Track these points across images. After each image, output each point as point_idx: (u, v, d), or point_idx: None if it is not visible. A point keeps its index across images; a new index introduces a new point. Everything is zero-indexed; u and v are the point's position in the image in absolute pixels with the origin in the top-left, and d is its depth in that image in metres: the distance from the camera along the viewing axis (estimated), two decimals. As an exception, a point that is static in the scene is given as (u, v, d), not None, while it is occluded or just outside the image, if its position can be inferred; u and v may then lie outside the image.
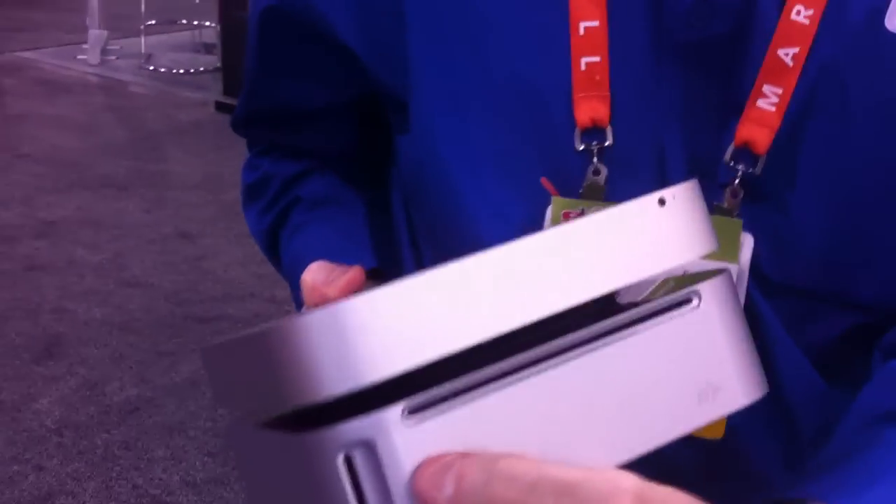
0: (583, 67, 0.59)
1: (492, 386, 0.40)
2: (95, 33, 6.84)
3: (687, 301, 0.44)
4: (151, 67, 6.81)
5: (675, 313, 0.44)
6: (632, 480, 0.35)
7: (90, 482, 2.48)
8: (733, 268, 0.58)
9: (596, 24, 0.58)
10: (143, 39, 6.97)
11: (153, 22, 7.05)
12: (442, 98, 0.64)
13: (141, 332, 3.23)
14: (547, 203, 0.61)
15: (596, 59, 0.59)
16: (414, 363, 0.38)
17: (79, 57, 6.96)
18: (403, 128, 0.68)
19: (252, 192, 0.83)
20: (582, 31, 0.59)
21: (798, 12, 0.55)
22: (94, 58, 6.86)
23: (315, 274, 0.60)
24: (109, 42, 6.99)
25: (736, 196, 0.58)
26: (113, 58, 6.98)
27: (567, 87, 0.59)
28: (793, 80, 0.56)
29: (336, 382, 0.37)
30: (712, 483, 0.57)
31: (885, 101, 0.56)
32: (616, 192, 0.59)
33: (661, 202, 0.43)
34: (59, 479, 2.48)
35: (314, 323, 0.37)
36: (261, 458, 0.45)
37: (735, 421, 0.62)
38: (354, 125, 0.77)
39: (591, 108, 0.59)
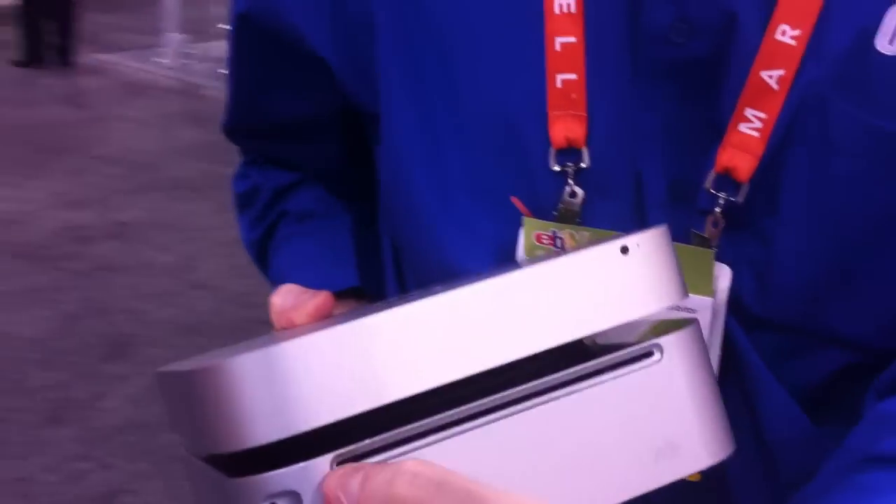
0: (558, 84, 0.56)
1: (428, 439, 0.38)
2: (172, 37, 6.98)
3: (649, 354, 0.41)
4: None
5: (635, 366, 0.41)
6: None
7: (154, 482, 2.51)
8: (706, 301, 0.55)
9: (573, 40, 0.56)
10: (217, 44, 7.08)
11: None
12: (410, 114, 0.62)
13: (208, 335, 3.28)
14: (519, 224, 0.58)
15: (572, 76, 0.56)
16: (346, 413, 0.36)
17: (155, 60, 7.10)
18: (377, 141, 0.66)
19: (243, 203, 0.82)
20: (558, 47, 0.56)
21: (783, 32, 0.52)
22: (170, 61, 6.99)
23: (284, 297, 0.59)
24: (187, 46, 7.12)
25: (717, 225, 0.55)
26: (189, 61, 7.10)
27: (542, 105, 0.57)
28: (777, 104, 0.53)
29: (263, 431, 0.36)
30: None
31: (872, 127, 0.52)
32: (592, 214, 0.57)
33: (624, 250, 0.41)
34: (124, 477, 2.52)
35: (245, 366, 0.36)
36: (201, 486, 0.44)
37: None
38: (340, 138, 0.76)
39: (566, 127, 0.56)
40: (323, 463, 0.37)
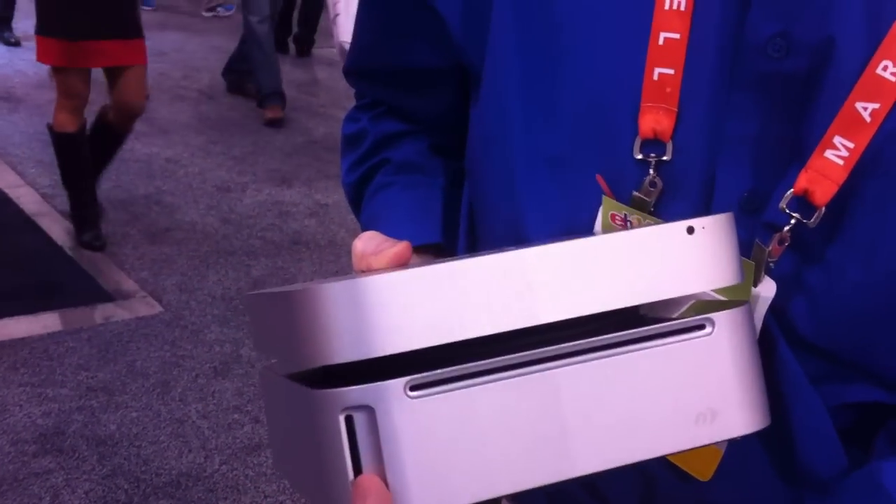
0: (655, 77, 0.58)
1: (494, 377, 0.42)
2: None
3: (701, 327, 0.45)
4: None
5: (687, 336, 0.45)
6: None
7: (297, 443, 2.61)
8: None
9: (677, 36, 0.57)
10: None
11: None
12: (512, 81, 0.63)
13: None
14: (592, 207, 0.60)
15: (670, 71, 0.57)
16: (422, 344, 0.40)
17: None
18: (476, 99, 0.68)
19: (348, 144, 0.85)
20: (661, 41, 0.58)
21: (885, 68, 0.52)
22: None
23: (366, 243, 0.62)
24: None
25: (782, 243, 0.56)
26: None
27: (636, 94, 0.58)
28: (867, 137, 0.53)
29: (346, 351, 0.40)
30: None
31: None
32: (663, 206, 0.59)
33: (690, 230, 0.45)
34: (270, 434, 2.64)
35: (336, 292, 0.40)
36: (281, 402, 0.50)
37: (733, 464, 0.60)
38: (455, 91, 0.77)
39: (655, 119, 0.58)
40: (398, 385, 0.41)
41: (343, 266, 3.76)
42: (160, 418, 2.66)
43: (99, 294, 3.30)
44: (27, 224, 3.77)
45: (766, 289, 0.56)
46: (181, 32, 7.17)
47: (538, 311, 0.42)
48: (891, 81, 0.52)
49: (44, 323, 3.08)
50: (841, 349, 0.57)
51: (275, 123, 5.28)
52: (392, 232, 0.65)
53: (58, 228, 3.74)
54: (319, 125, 5.50)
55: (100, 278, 3.41)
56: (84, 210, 3.61)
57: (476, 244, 0.73)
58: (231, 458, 2.52)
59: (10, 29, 6.27)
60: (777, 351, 0.56)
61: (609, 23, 0.59)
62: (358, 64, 0.82)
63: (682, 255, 0.44)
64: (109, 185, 4.28)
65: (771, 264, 0.56)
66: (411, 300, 0.40)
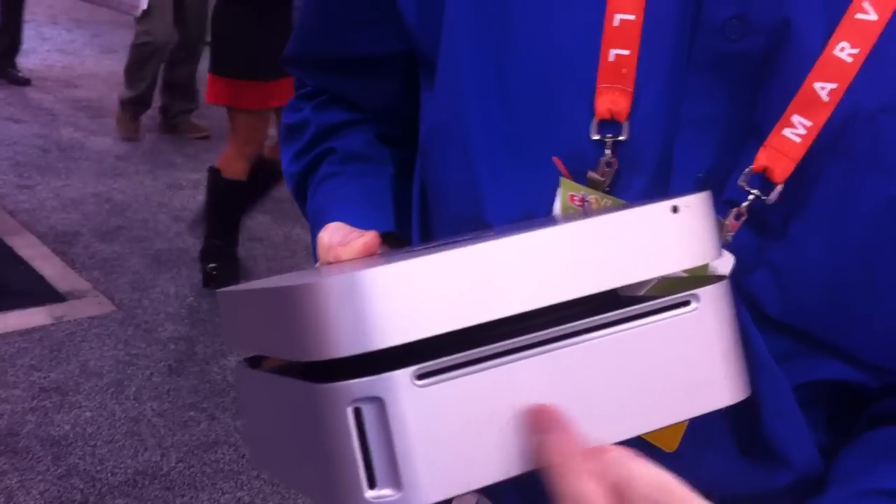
0: (611, 58, 0.58)
1: (497, 361, 0.42)
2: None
3: (686, 303, 0.46)
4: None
5: (674, 313, 0.46)
6: None
7: (254, 439, 2.60)
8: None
9: (632, 17, 0.58)
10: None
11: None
12: (466, 65, 0.63)
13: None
14: (551, 187, 0.61)
15: (626, 52, 0.58)
16: (424, 334, 0.40)
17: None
18: (429, 85, 0.68)
19: (289, 133, 0.84)
20: (616, 23, 0.58)
21: (842, 49, 0.54)
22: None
23: (332, 234, 0.61)
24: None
25: (739, 218, 0.57)
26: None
27: (592, 75, 0.59)
28: (825, 116, 0.54)
29: (349, 345, 0.40)
30: None
31: None
32: (620, 186, 0.59)
33: (675, 209, 0.46)
34: (227, 430, 2.63)
35: (336, 287, 0.40)
36: (268, 399, 0.49)
37: (696, 437, 0.61)
38: (401, 80, 0.77)
39: (611, 99, 0.58)
40: (405, 374, 0.41)
41: (299, 261, 3.75)
42: (115, 417, 2.63)
43: (50, 294, 3.26)
44: (-25, 225, 3.71)
45: (724, 263, 0.57)
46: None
47: (538, 295, 0.42)
48: (847, 62, 0.53)
49: (-6, 324, 3.04)
50: (808, 326, 0.58)
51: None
52: (342, 221, 0.65)
53: (6, 229, 3.69)
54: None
55: (51, 278, 3.36)
56: (231, 260, 3.41)
57: (430, 232, 0.72)
58: (188, 455, 2.51)
59: (13, 64, 5.67)
60: (742, 327, 0.57)
61: (563, 5, 0.60)
62: (301, 51, 0.81)
63: (668, 234, 0.45)
64: (59, 183, 4.23)
65: (728, 237, 0.57)
66: (414, 289, 0.40)
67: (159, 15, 4.71)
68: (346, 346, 0.40)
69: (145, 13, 4.64)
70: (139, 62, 4.88)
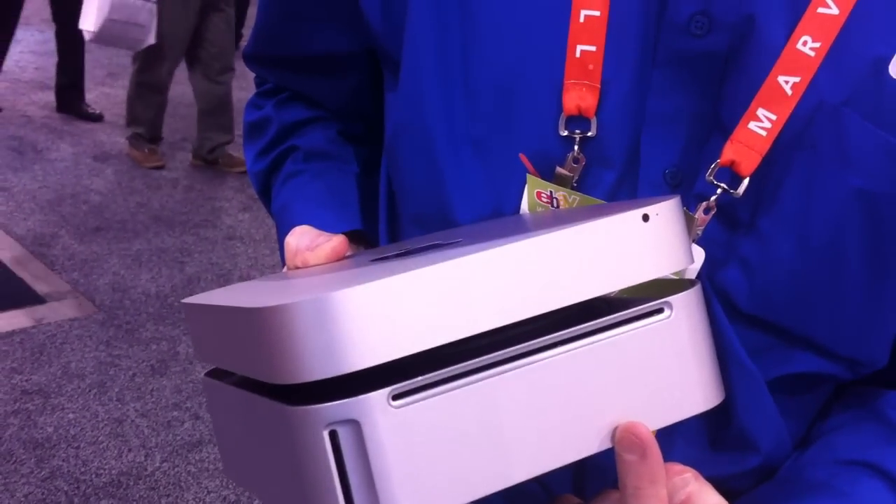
0: (577, 55, 0.58)
1: (472, 378, 0.42)
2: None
3: (659, 311, 0.46)
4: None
5: (647, 321, 0.45)
6: None
7: (238, 437, 2.60)
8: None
9: (597, 13, 0.58)
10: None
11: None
12: (430, 64, 0.63)
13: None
14: (518, 186, 0.61)
15: (592, 48, 0.58)
16: (397, 355, 0.40)
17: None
18: (393, 85, 0.67)
19: (252, 132, 0.83)
20: (582, 19, 0.58)
21: (805, 42, 0.54)
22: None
23: (299, 238, 0.61)
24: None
25: (707, 212, 0.57)
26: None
27: (559, 72, 0.59)
28: (789, 109, 0.55)
29: (321, 369, 0.39)
30: None
31: (889, 144, 0.54)
32: (589, 182, 0.60)
33: (646, 218, 0.45)
34: (211, 429, 2.62)
35: (307, 309, 0.39)
36: (238, 415, 0.48)
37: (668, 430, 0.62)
38: (360, 79, 0.77)
39: (579, 95, 0.58)
40: (381, 396, 0.40)
41: (279, 260, 3.75)
42: (98, 419, 2.63)
43: (30, 296, 3.24)
44: (-48, 228, 3.69)
45: (695, 258, 0.57)
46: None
47: (511, 309, 0.42)
48: (809, 56, 0.54)
49: (-27, 327, 3.02)
50: (778, 320, 0.58)
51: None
52: (308, 220, 0.64)
53: (-16, 231, 3.67)
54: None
55: (30, 280, 3.35)
56: None
57: (397, 230, 0.72)
58: (172, 455, 2.51)
59: (82, 98, 5.37)
60: (714, 321, 0.58)
61: (528, 1, 0.60)
62: (261, 49, 0.81)
63: (639, 244, 0.45)
64: (35, 185, 4.21)
65: (699, 231, 0.57)
66: (386, 310, 0.39)
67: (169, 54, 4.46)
68: (318, 370, 0.39)
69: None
70: (140, 95, 4.63)
